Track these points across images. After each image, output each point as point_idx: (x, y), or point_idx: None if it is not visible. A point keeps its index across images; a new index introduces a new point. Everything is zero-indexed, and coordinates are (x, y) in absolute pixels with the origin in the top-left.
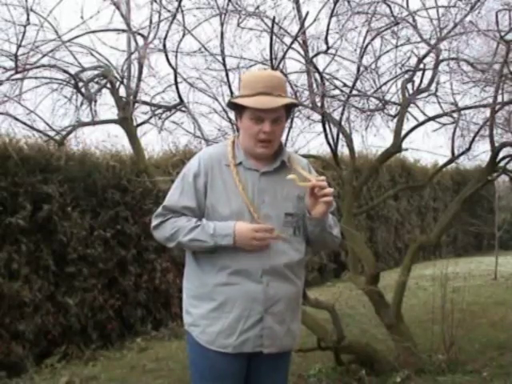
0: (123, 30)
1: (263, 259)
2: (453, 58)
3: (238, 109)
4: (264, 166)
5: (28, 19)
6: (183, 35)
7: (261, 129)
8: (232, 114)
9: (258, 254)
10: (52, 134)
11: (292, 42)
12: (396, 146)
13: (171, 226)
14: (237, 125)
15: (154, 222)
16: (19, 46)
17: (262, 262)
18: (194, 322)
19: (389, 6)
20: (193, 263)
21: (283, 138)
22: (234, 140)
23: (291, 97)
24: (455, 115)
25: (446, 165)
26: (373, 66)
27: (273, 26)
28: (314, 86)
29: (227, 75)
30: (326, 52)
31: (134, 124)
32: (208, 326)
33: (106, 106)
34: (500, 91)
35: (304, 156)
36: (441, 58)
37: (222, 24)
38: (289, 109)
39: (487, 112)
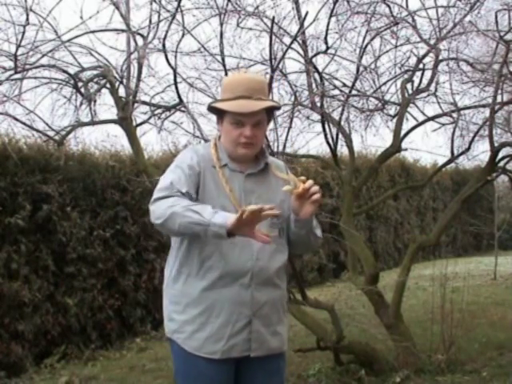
0: (123, 30)
1: (252, 262)
2: (452, 58)
3: (219, 113)
4: (248, 168)
5: (27, 19)
6: (182, 35)
7: (241, 133)
8: None
9: (246, 257)
10: (51, 133)
11: (291, 42)
12: (395, 146)
13: (173, 200)
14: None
15: (159, 194)
16: (19, 45)
17: (251, 264)
18: (179, 329)
19: (388, 6)
20: (177, 266)
21: (283, 139)
22: (215, 142)
23: (272, 100)
24: (455, 115)
25: (445, 165)
26: (372, 66)
27: (272, 26)
28: (314, 85)
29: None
30: (325, 52)
31: (134, 124)
32: (195, 331)
33: (106, 106)
34: (499, 91)
35: (303, 156)
36: (440, 57)
37: (221, 24)
38: (270, 112)
39: (487, 112)
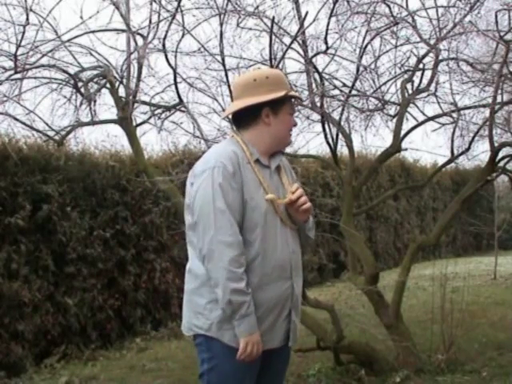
0: (122, 30)
1: (289, 255)
2: (452, 58)
3: (275, 107)
4: (271, 163)
5: (27, 19)
6: (182, 35)
7: (292, 121)
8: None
9: (286, 251)
10: (51, 133)
11: (291, 42)
12: (395, 146)
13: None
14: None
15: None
16: (19, 45)
17: (289, 257)
18: (225, 326)
19: (388, 6)
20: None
21: None
22: (242, 139)
23: None
24: (455, 115)
25: (445, 165)
26: (372, 66)
27: (272, 26)
28: (314, 85)
29: (226, 75)
30: (325, 52)
31: (134, 124)
32: None
33: (106, 106)
34: (499, 91)
35: (303, 156)
36: (440, 57)
37: (221, 24)
38: None
39: (486, 112)
